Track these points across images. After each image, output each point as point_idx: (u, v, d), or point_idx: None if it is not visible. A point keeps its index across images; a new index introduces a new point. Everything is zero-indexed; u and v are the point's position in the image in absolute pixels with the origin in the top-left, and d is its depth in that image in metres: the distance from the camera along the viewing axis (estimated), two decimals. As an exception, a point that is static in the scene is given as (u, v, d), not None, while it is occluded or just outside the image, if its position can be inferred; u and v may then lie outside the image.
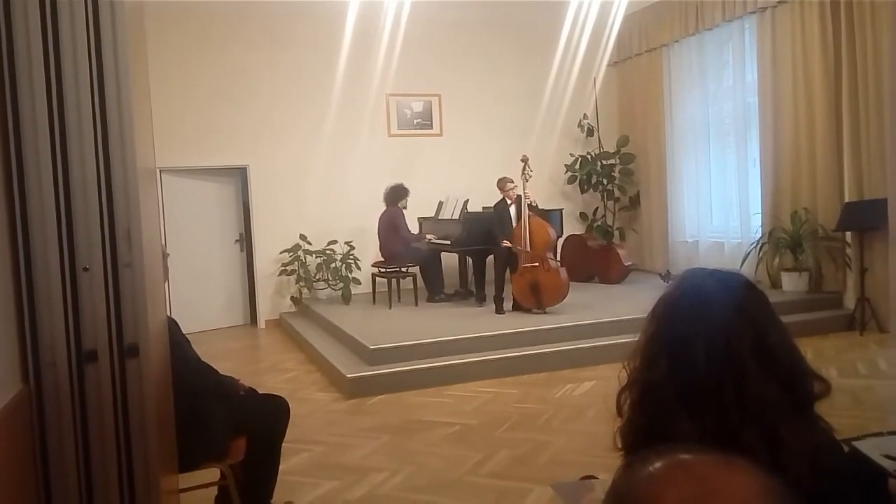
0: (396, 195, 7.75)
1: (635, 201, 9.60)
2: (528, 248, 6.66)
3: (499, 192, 7.03)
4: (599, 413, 4.52)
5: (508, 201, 6.95)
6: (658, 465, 0.66)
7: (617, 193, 9.42)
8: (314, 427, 4.63)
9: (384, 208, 7.81)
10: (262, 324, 8.57)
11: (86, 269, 2.01)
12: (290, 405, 3.29)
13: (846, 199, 6.79)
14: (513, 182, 6.96)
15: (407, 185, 7.84)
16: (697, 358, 1.17)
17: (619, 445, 1.27)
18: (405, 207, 7.80)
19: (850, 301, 6.87)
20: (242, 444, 2.96)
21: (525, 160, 6.86)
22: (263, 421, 3.11)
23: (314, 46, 8.41)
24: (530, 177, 6.83)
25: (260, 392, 3.32)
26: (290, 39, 8.35)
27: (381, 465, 3.94)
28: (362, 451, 4.20)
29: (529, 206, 6.76)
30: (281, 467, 3.22)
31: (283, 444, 3.24)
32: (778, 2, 7.26)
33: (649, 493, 0.63)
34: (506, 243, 6.81)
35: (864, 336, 6.43)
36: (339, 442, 4.36)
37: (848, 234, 6.85)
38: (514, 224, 6.88)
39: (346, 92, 8.50)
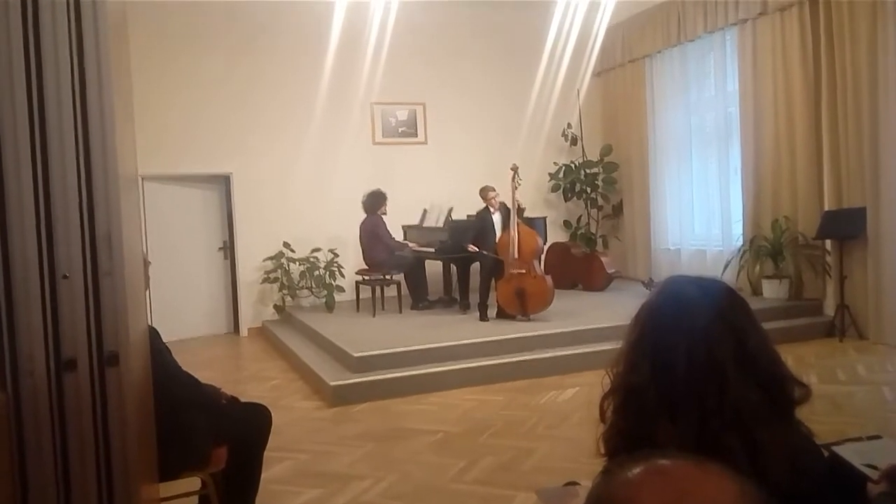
0: (375, 202, 7.70)
1: (618, 210, 9.67)
2: (516, 256, 6.68)
3: (482, 200, 7.06)
4: (583, 419, 4.53)
5: (492, 209, 6.98)
6: (635, 470, 0.67)
7: (600, 202, 9.48)
8: (297, 435, 4.60)
9: (364, 216, 7.77)
10: (244, 332, 8.51)
11: (66, 277, 1.99)
12: (272, 414, 3.26)
13: (826, 208, 6.88)
14: (495, 190, 6.99)
15: (384, 191, 7.79)
16: (679, 364, 1.19)
17: (603, 451, 1.28)
18: (385, 213, 7.76)
19: (829, 308, 6.95)
20: (224, 453, 2.93)
21: (515, 169, 6.89)
22: (245, 429, 3.08)
23: (299, 54, 8.40)
24: (520, 185, 6.86)
25: (242, 400, 3.30)
26: (275, 47, 8.33)
27: (364, 473, 3.92)
28: (346, 459, 4.18)
29: (518, 209, 6.78)
30: (263, 476, 3.19)
31: (266, 453, 3.21)
32: (758, 13, 7.36)
33: (626, 497, 0.64)
34: (471, 247, 6.85)
35: (843, 342, 6.51)
36: (322, 450, 4.34)
37: (828, 241, 6.94)
38: (499, 232, 6.90)
39: (330, 100, 8.49)
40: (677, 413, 1.18)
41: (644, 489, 0.65)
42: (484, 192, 7.03)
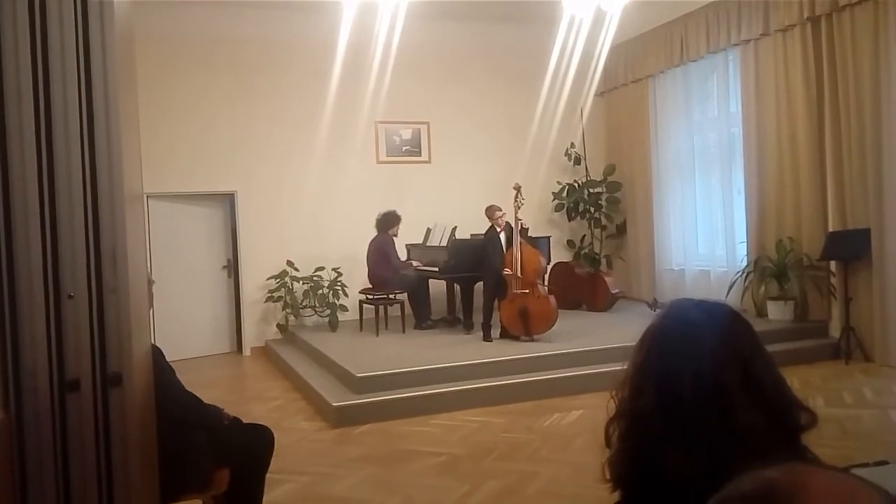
0: (388, 222, 7.74)
1: (622, 229, 9.66)
2: (519, 275, 6.67)
3: (487, 219, 7.06)
4: (587, 443, 4.49)
5: (497, 229, 6.98)
6: (798, 465, 0.68)
7: (604, 221, 9.49)
8: (299, 457, 4.57)
9: (374, 234, 7.80)
10: (247, 351, 8.49)
11: (70, 297, 1.99)
12: (274, 435, 3.25)
13: (830, 229, 6.86)
14: (501, 210, 6.99)
15: (399, 213, 7.83)
16: (684, 388, 1.18)
17: (609, 477, 1.27)
18: (396, 235, 7.79)
19: (835, 330, 6.91)
20: (226, 475, 2.91)
21: (517, 188, 6.91)
22: (247, 451, 3.06)
23: (304, 74, 8.46)
24: (522, 204, 6.88)
25: (244, 421, 3.28)
26: (280, 68, 8.40)
27: (366, 497, 3.89)
28: (348, 481, 4.14)
29: (521, 229, 6.79)
30: (265, 498, 3.17)
31: (268, 475, 3.19)
32: (761, 34, 7.40)
33: (793, 483, 0.64)
34: (507, 271, 6.76)
35: (849, 365, 6.46)
36: (324, 472, 4.30)
37: (832, 263, 6.91)
38: (504, 251, 6.90)
39: (335, 119, 8.54)
40: (683, 438, 1.17)
41: (814, 480, 0.64)
42: (490, 212, 7.03)
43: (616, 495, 1.26)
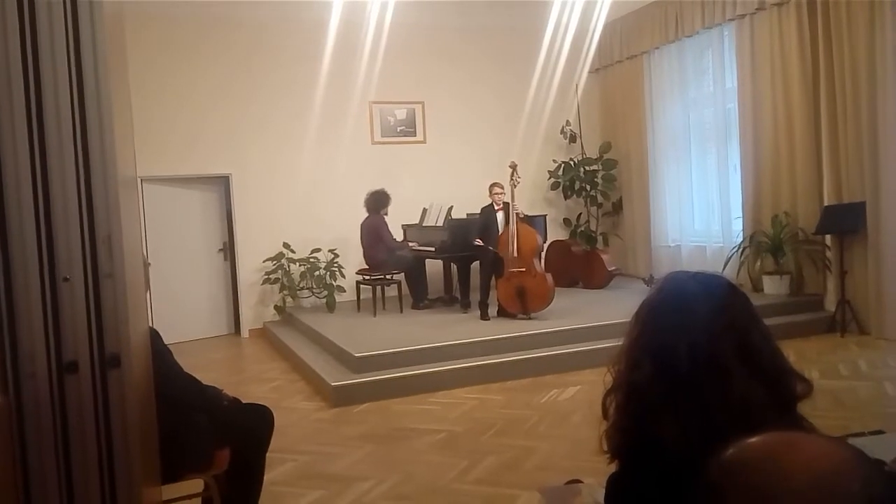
0: (378, 202, 7.70)
1: (618, 207, 9.66)
2: (516, 254, 6.68)
3: (488, 195, 7.05)
4: (585, 417, 4.54)
5: (496, 206, 6.97)
6: (771, 434, 0.70)
7: (600, 199, 9.47)
8: (299, 436, 4.60)
9: (366, 215, 7.77)
10: (245, 333, 8.50)
11: (66, 280, 1.99)
12: (274, 414, 3.26)
13: (825, 203, 6.87)
14: (502, 189, 6.97)
15: (389, 192, 7.79)
16: (681, 360, 1.18)
17: (606, 448, 1.28)
18: (386, 214, 7.76)
19: (830, 303, 6.95)
20: (226, 455, 2.93)
21: (513, 166, 6.90)
22: (247, 431, 3.08)
23: (297, 55, 8.39)
24: (518, 182, 6.87)
25: (244, 402, 3.30)
26: (273, 49, 8.32)
27: (366, 474, 3.92)
28: (348, 459, 4.18)
29: (517, 215, 6.78)
30: (266, 477, 3.19)
31: (268, 454, 3.21)
32: (756, 9, 7.35)
33: (767, 452, 0.65)
34: (478, 242, 6.83)
35: (844, 338, 6.50)
36: (324, 451, 4.33)
37: (828, 237, 6.93)
38: (501, 230, 6.90)
39: (329, 100, 8.48)
40: (680, 409, 1.17)
41: (797, 445, 0.65)
42: (490, 189, 7.03)
43: (614, 466, 1.27)
